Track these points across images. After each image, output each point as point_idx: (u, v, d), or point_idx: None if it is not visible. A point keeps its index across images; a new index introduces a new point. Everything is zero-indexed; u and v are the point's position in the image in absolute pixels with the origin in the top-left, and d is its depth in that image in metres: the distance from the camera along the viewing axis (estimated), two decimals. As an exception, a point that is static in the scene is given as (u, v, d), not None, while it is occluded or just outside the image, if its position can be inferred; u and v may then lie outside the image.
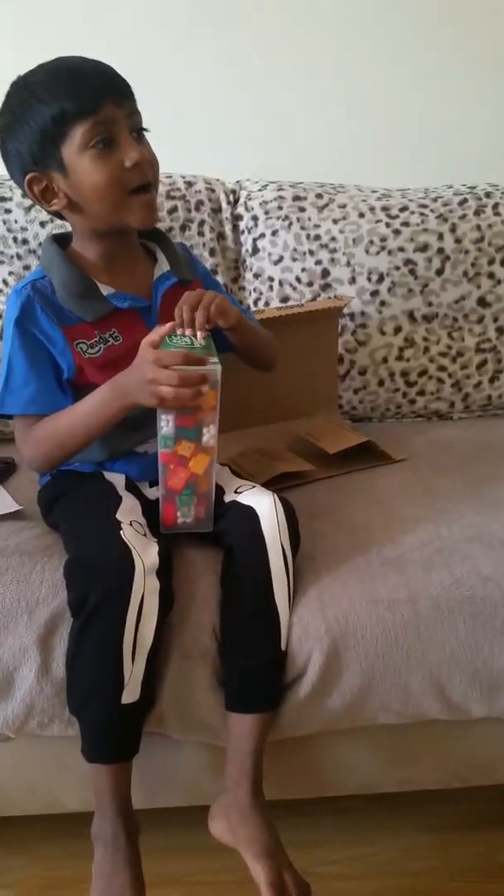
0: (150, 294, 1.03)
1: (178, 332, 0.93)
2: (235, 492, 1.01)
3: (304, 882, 0.85)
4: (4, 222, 1.37)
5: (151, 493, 1.04)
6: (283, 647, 0.92)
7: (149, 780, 1.00)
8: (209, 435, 0.92)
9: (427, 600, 0.94)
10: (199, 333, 0.93)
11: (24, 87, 0.93)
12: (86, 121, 0.90)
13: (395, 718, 0.96)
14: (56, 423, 0.97)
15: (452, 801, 1.17)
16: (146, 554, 0.88)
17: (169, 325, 0.91)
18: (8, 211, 1.38)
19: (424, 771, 1.07)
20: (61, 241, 1.04)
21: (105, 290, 1.00)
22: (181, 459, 0.93)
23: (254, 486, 1.01)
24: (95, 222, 0.97)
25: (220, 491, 1.01)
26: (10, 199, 1.38)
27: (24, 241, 1.37)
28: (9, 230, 1.37)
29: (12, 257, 1.37)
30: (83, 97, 0.90)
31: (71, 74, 0.92)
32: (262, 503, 0.96)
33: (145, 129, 0.97)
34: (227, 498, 1.00)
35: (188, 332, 0.93)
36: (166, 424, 0.91)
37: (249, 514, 0.95)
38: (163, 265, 1.05)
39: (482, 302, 1.45)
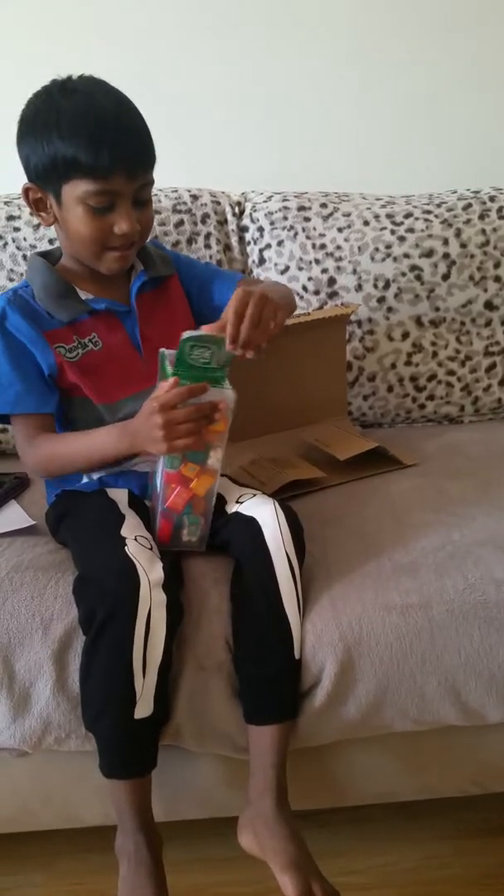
0: (128, 299, 1.05)
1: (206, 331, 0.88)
2: (237, 501, 1.01)
3: (334, 889, 0.85)
4: (14, 240, 1.39)
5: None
6: (296, 655, 0.91)
7: (167, 793, 1.00)
8: (215, 458, 0.93)
9: (441, 605, 0.93)
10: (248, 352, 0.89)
11: (53, 104, 0.93)
12: (93, 182, 0.92)
13: (412, 725, 0.96)
14: (61, 446, 1.01)
15: (470, 809, 1.16)
16: (151, 568, 0.89)
17: (176, 391, 0.86)
18: (17, 229, 1.40)
19: (441, 778, 1.06)
20: (47, 256, 1.08)
21: (84, 295, 1.04)
22: (184, 480, 0.93)
23: (255, 495, 1.01)
24: (73, 252, 1.01)
25: (221, 501, 1.02)
26: (20, 217, 1.40)
27: (33, 259, 1.38)
28: (18, 248, 1.39)
29: (21, 276, 1.39)
30: (99, 159, 0.90)
31: (98, 126, 0.90)
32: (264, 512, 0.96)
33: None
34: (230, 508, 1.01)
35: (244, 352, 0.89)
36: None
37: (252, 525, 0.95)
38: (137, 268, 1.07)
39: (489, 305, 1.45)
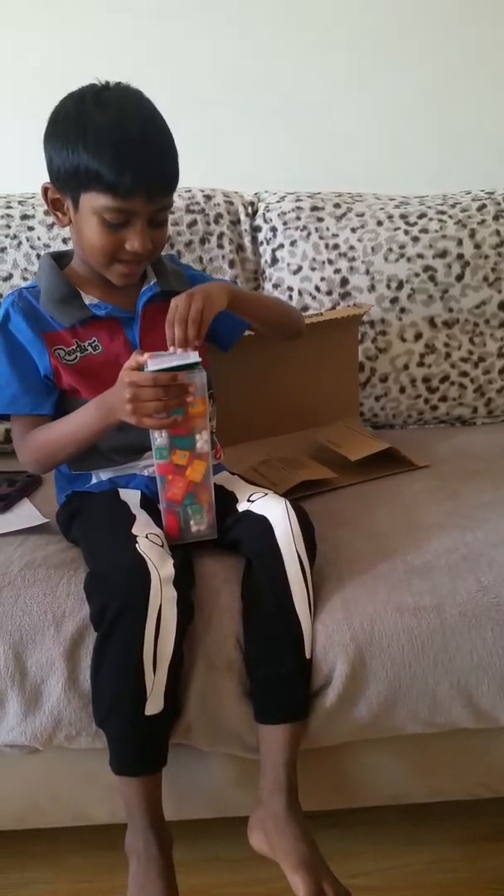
0: (134, 307, 1.06)
1: (170, 349, 0.94)
2: (249, 500, 1.01)
3: (345, 890, 0.84)
4: (28, 239, 1.40)
5: None
6: (307, 655, 0.91)
7: (177, 792, 0.99)
8: (202, 441, 0.94)
9: (453, 607, 0.93)
10: (191, 347, 0.93)
11: (84, 113, 0.92)
12: (112, 199, 0.92)
13: (423, 727, 0.96)
14: (49, 433, 1.02)
15: (481, 813, 1.16)
16: (162, 564, 0.89)
17: (147, 354, 0.91)
18: (31, 228, 1.40)
19: (452, 781, 1.06)
20: (60, 258, 1.08)
21: (88, 300, 1.04)
22: (178, 469, 0.94)
23: (266, 494, 1.01)
24: (83, 256, 1.02)
25: (232, 499, 1.02)
26: (34, 216, 1.41)
27: (47, 258, 1.39)
28: (32, 247, 1.40)
29: (35, 274, 1.39)
30: (121, 179, 0.91)
31: (125, 147, 0.91)
32: (275, 511, 0.96)
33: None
34: (241, 507, 1.01)
35: (179, 351, 0.93)
36: (160, 436, 0.92)
37: (263, 524, 0.95)
38: (150, 279, 1.07)
39: (503, 306, 1.45)
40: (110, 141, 0.91)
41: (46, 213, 1.40)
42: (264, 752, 0.92)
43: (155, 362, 0.89)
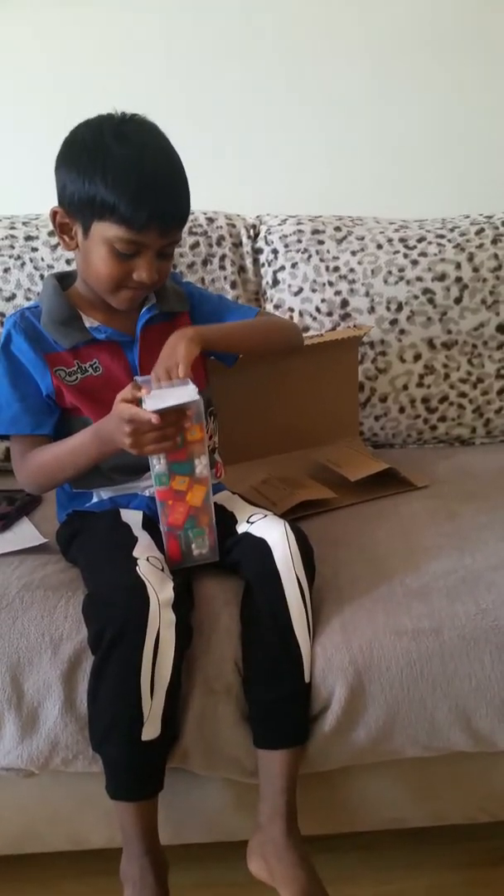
0: (134, 330, 1.06)
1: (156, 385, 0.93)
2: (248, 521, 1.01)
3: None
4: (31, 260, 1.41)
5: None
6: (306, 679, 0.91)
7: (173, 816, 0.99)
8: (202, 466, 0.94)
9: (452, 631, 0.93)
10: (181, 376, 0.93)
11: (103, 145, 0.93)
12: (126, 231, 0.93)
13: (422, 751, 0.95)
14: (48, 456, 1.02)
15: (479, 837, 1.15)
16: (162, 588, 0.89)
17: (144, 388, 0.91)
18: (35, 249, 1.41)
19: (451, 805, 1.05)
20: (64, 279, 1.09)
21: (89, 322, 1.05)
22: (178, 494, 0.94)
23: (266, 515, 1.01)
24: (88, 280, 1.03)
25: (232, 520, 1.02)
26: (37, 237, 1.42)
27: (49, 279, 1.40)
28: (35, 268, 1.41)
29: (39, 295, 1.40)
30: (137, 214, 0.92)
31: (144, 185, 0.92)
32: (274, 534, 0.96)
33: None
34: (240, 528, 1.01)
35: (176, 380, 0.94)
36: (158, 462, 0.93)
37: (262, 547, 0.95)
38: (150, 300, 1.08)
39: (501, 329, 1.46)
40: (130, 177, 0.92)
41: (51, 234, 1.41)
42: (263, 778, 0.91)
43: (153, 399, 0.89)
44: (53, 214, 1.01)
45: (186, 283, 1.20)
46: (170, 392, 0.91)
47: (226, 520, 1.02)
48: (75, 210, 0.97)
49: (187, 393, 0.90)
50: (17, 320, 1.05)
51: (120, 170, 0.92)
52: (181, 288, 1.14)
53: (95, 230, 0.96)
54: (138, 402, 0.89)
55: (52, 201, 1.01)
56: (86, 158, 0.94)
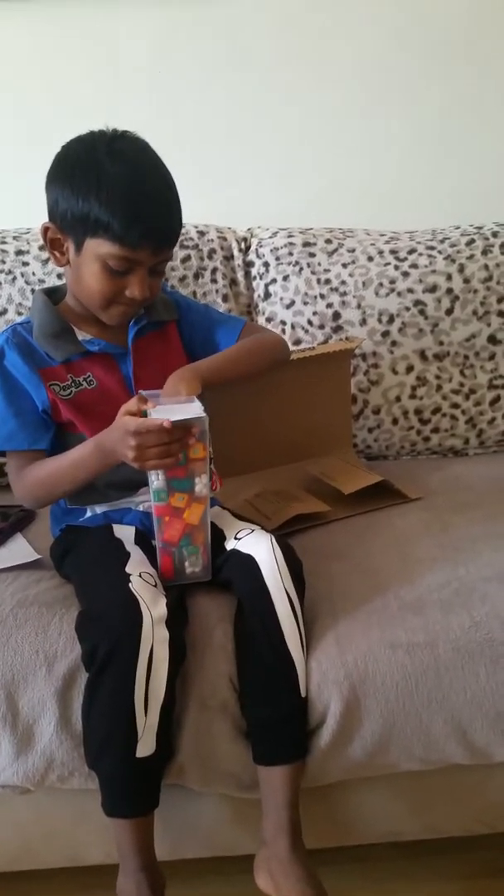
0: (126, 341, 1.07)
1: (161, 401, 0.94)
2: (236, 537, 1.01)
3: None
4: (23, 275, 1.41)
5: None
6: (302, 693, 0.91)
7: (170, 832, 0.99)
8: (202, 484, 0.94)
9: (447, 644, 0.93)
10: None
11: (97, 163, 0.94)
12: (119, 248, 0.94)
13: (418, 765, 0.95)
14: (46, 470, 1.02)
15: (477, 849, 1.14)
16: (154, 605, 0.88)
17: (151, 401, 0.92)
18: (26, 263, 1.42)
19: (448, 817, 1.05)
20: (53, 293, 1.10)
21: (81, 335, 1.05)
22: (175, 511, 0.94)
23: (252, 531, 1.01)
24: (79, 297, 1.03)
25: (220, 536, 1.02)
26: (28, 251, 1.43)
27: (42, 293, 1.40)
28: (27, 282, 1.41)
29: (29, 309, 1.40)
30: (131, 232, 0.93)
31: (139, 204, 0.93)
32: (261, 550, 0.96)
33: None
34: (229, 545, 1.01)
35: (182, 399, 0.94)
36: (157, 479, 0.93)
37: (249, 564, 0.95)
38: (140, 311, 1.08)
39: (493, 339, 1.46)
40: (125, 197, 0.93)
41: (41, 248, 1.41)
42: (265, 794, 0.92)
43: (160, 413, 0.90)
44: (45, 230, 1.01)
45: (172, 291, 1.21)
46: (176, 408, 0.92)
47: (215, 536, 1.02)
48: (67, 226, 0.98)
49: (194, 409, 0.91)
50: (10, 336, 1.05)
51: (114, 188, 0.93)
52: (168, 297, 1.15)
53: (88, 246, 0.96)
54: (143, 415, 0.90)
55: (43, 216, 1.01)
56: (79, 175, 0.95)
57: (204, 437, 0.91)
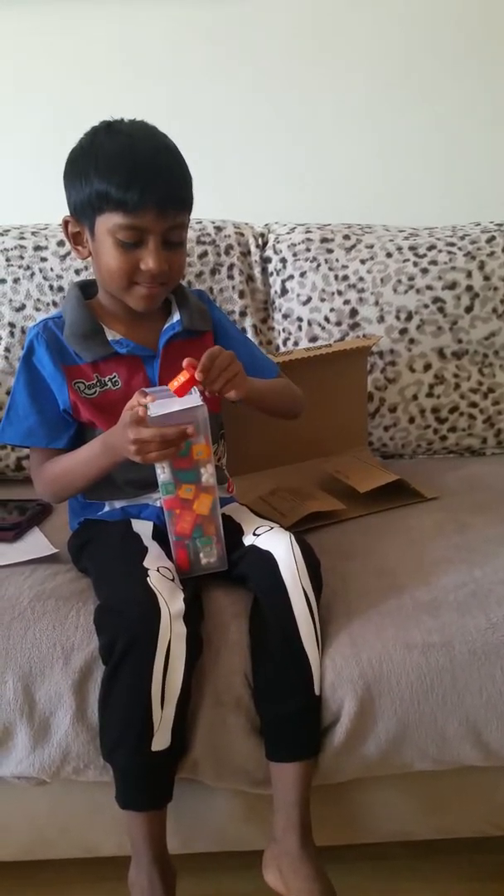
0: (157, 345, 1.06)
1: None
2: (254, 534, 1.01)
3: None
4: (41, 270, 1.42)
5: None
6: (316, 691, 0.91)
7: (183, 826, 1.00)
8: (207, 474, 0.94)
9: (462, 645, 0.93)
10: (198, 389, 0.93)
11: (96, 143, 0.96)
12: (122, 216, 0.94)
13: (431, 765, 0.95)
14: (60, 467, 1.03)
15: (488, 850, 1.14)
16: (172, 600, 0.89)
17: (150, 395, 0.92)
18: (44, 259, 1.42)
19: (460, 818, 1.05)
20: (87, 287, 1.09)
21: (111, 335, 1.05)
22: (185, 503, 0.95)
23: (272, 528, 1.01)
24: (104, 285, 1.03)
25: (238, 531, 1.02)
26: (46, 247, 1.43)
27: (60, 289, 1.41)
28: (45, 278, 1.41)
29: (48, 304, 1.41)
30: (130, 194, 0.92)
31: (133, 165, 0.93)
32: (280, 547, 0.96)
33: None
34: (247, 540, 1.01)
35: (199, 386, 0.93)
36: (163, 471, 0.93)
37: (268, 560, 0.95)
38: (174, 315, 1.08)
39: (512, 338, 1.45)
40: (119, 161, 0.94)
41: (59, 243, 1.42)
42: (276, 791, 0.92)
43: (158, 406, 0.90)
44: (65, 224, 1.02)
45: (214, 306, 1.18)
46: (175, 400, 0.92)
47: (233, 531, 1.02)
48: (80, 214, 0.99)
49: (192, 400, 0.91)
50: (41, 331, 1.05)
51: (109, 157, 0.94)
52: (206, 307, 1.13)
53: (98, 226, 0.97)
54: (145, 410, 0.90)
55: (60, 212, 1.02)
56: (81, 161, 0.97)
57: (205, 426, 0.91)
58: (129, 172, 0.93)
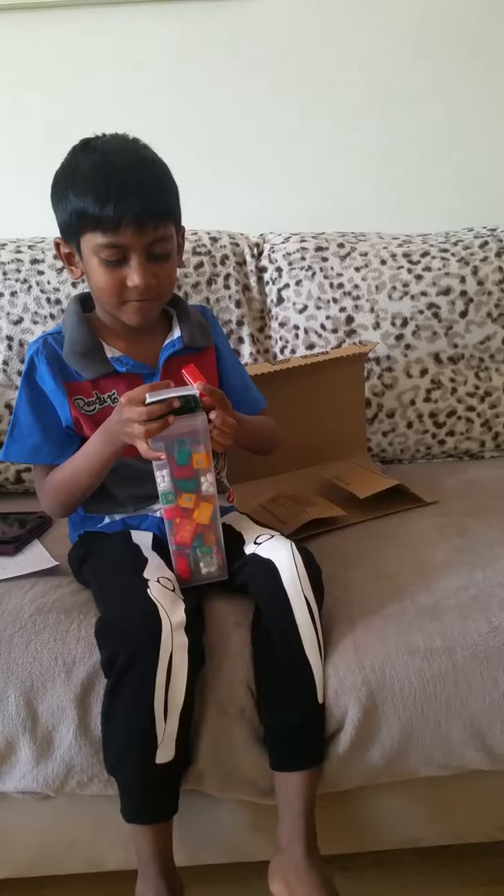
0: (156, 362, 1.06)
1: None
2: (255, 542, 1.01)
3: None
4: (38, 283, 1.42)
5: None
6: (319, 700, 0.91)
7: (188, 838, 0.99)
8: (207, 483, 0.94)
9: (465, 650, 0.93)
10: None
11: (73, 162, 0.96)
12: (102, 235, 0.94)
13: (437, 770, 0.95)
14: (63, 471, 1.03)
15: (497, 855, 1.14)
16: (173, 611, 0.89)
17: (149, 385, 0.92)
18: (41, 272, 1.43)
19: (466, 824, 1.05)
20: (87, 301, 1.08)
21: (111, 352, 1.04)
22: (185, 512, 0.95)
23: (272, 536, 1.01)
24: (99, 302, 1.03)
25: (239, 540, 1.02)
26: (43, 260, 1.44)
27: (57, 302, 1.42)
28: (42, 291, 1.42)
29: (46, 318, 1.42)
30: (104, 212, 0.91)
31: (105, 181, 0.92)
32: (281, 555, 0.96)
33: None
34: (248, 549, 1.00)
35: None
36: (163, 480, 0.93)
37: (269, 568, 0.95)
38: (174, 332, 1.07)
39: (508, 342, 1.46)
40: (92, 179, 0.93)
41: (55, 257, 1.42)
42: (281, 800, 0.91)
43: (153, 395, 0.91)
44: (57, 246, 1.03)
45: (217, 327, 1.16)
46: (171, 390, 0.92)
47: (234, 540, 1.02)
48: (66, 234, 0.99)
49: (189, 389, 0.92)
50: (41, 347, 1.04)
51: (84, 175, 0.94)
52: (208, 323, 1.13)
53: (83, 246, 0.97)
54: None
55: (55, 226, 1.02)
56: (61, 181, 0.97)
57: (205, 434, 0.92)
58: (102, 191, 0.91)
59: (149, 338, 1.06)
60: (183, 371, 0.96)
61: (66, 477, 1.02)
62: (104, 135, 0.99)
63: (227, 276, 1.47)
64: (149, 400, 0.90)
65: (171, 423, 0.90)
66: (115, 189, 0.91)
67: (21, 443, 1.05)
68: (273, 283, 1.49)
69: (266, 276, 1.50)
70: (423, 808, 1.03)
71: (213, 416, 0.92)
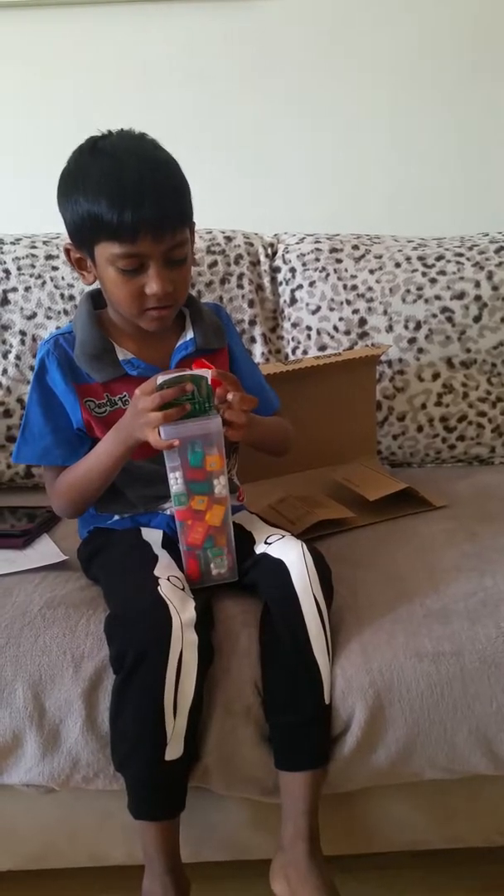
0: (168, 364, 1.04)
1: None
2: (266, 542, 1.01)
3: None
4: (52, 279, 1.43)
5: None
6: (326, 700, 0.91)
7: (193, 835, 0.99)
8: (220, 486, 0.94)
9: (473, 654, 0.93)
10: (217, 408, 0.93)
11: (82, 164, 0.93)
12: (119, 246, 0.91)
13: (442, 774, 0.95)
14: (75, 472, 1.02)
15: (498, 860, 1.14)
16: (183, 608, 0.89)
17: (163, 373, 0.91)
18: (55, 268, 1.43)
19: (470, 828, 1.05)
20: (99, 297, 1.06)
21: (122, 354, 1.03)
22: (197, 514, 0.95)
23: (283, 536, 1.01)
24: (116, 309, 1.01)
25: (250, 540, 1.02)
26: (58, 256, 1.44)
27: (71, 298, 1.42)
28: (56, 287, 1.43)
29: (59, 313, 1.42)
30: (122, 222, 0.88)
31: (119, 188, 0.89)
32: (291, 555, 0.96)
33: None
34: (258, 549, 1.00)
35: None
36: (175, 482, 0.93)
37: (279, 568, 0.95)
38: (188, 334, 1.06)
39: (521, 347, 1.46)
40: (105, 185, 0.89)
41: (73, 271, 1.41)
42: (285, 799, 0.92)
43: (164, 376, 0.91)
44: (67, 251, 1.00)
45: (231, 327, 1.15)
46: (185, 371, 0.92)
47: (244, 540, 1.02)
48: (77, 240, 0.97)
49: (200, 372, 0.92)
50: (52, 349, 1.03)
51: (96, 181, 0.90)
52: (221, 323, 1.11)
53: (98, 255, 0.94)
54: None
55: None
56: (69, 183, 0.94)
57: (219, 437, 0.92)
58: (117, 198, 0.88)
59: (161, 338, 1.05)
60: (193, 366, 0.96)
61: (78, 478, 1.02)
62: (111, 133, 0.95)
63: (241, 276, 1.47)
64: (160, 380, 0.90)
65: (187, 409, 0.90)
66: (131, 197, 0.89)
67: (32, 445, 1.04)
68: (286, 284, 1.49)
69: (280, 277, 1.50)
70: (426, 812, 1.03)
71: (230, 396, 0.91)
